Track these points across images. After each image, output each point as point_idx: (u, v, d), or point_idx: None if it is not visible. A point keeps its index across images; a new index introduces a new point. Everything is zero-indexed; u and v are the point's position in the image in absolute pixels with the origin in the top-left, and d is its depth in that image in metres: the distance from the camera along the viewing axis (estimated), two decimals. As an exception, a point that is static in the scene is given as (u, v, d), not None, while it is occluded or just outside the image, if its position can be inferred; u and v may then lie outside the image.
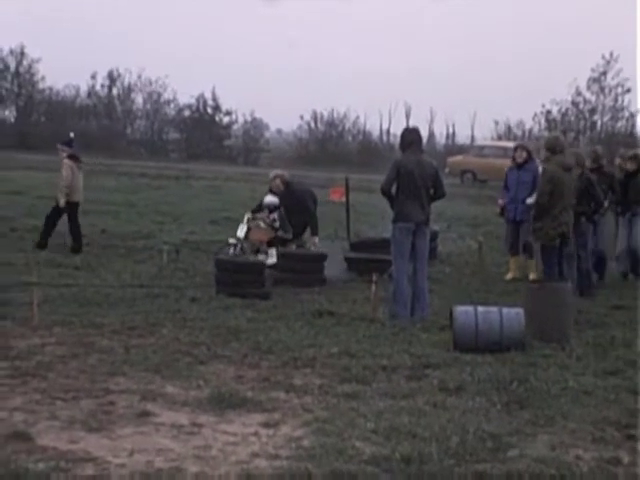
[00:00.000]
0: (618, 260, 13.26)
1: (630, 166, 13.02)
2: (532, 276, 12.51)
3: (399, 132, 10.79)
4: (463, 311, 8.69)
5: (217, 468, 5.45)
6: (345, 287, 12.02)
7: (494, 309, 8.76)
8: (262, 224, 12.54)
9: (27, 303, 9.57)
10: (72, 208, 14.54)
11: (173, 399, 6.79)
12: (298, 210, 12.74)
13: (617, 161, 13.64)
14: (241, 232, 12.51)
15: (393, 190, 10.21)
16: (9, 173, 28.56)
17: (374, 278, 10.39)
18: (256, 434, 6.09)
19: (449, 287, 12.27)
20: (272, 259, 12.15)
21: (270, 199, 12.73)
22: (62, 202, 14.43)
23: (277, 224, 12.61)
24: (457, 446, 5.80)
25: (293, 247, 12.70)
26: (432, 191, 10.25)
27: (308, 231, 13.06)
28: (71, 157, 14.63)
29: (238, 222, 13.01)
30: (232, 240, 12.57)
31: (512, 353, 8.33)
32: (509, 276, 13.19)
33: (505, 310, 8.70)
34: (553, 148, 10.67)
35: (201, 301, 10.62)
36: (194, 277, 12.43)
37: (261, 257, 12.14)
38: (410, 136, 10.43)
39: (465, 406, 6.73)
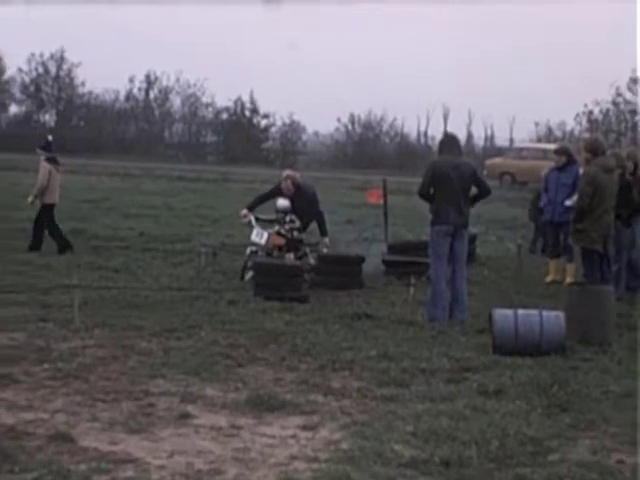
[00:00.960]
0: None
1: None
2: (569, 280, 12.38)
3: (437, 134, 10.83)
4: (503, 314, 8.63)
5: (256, 470, 5.46)
6: (383, 290, 11.99)
7: (534, 312, 8.69)
8: (282, 231, 12.42)
9: (68, 305, 9.68)
10: (46, 210, 14.69)
11: (212, 401, 6.81)
12: (308, 211, 12.66)
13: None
14: (261, 238, 12.28)
15: (431, 192, 10.20)
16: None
17: (412, 281, 10.36)
18: (295, 437, 6.09)
19: (488, 290, 12.19)
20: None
21: (283, 202, 12.55)
22: (30, 199, 14.71)
23: (297, 224, 12.51)
24: (497, 450, 5.77)
25: (306, 250, 12.59)
26: (476, 191, 10.28)
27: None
28: (49, 160, 14.78)
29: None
30: (252, 248, 12.37)
31: (552, 356, 8.26)
32: (549, 279, 13.09)
33: (545, 313, 8.63)
34: (594, 150, 10.56)
35: (239, 304, 10.65)
36: (232, 280, 12.46)
37: None
38: (447, 140, 10.49)
39: (505, 409, 6.69)
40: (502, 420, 6.40)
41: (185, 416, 6.44)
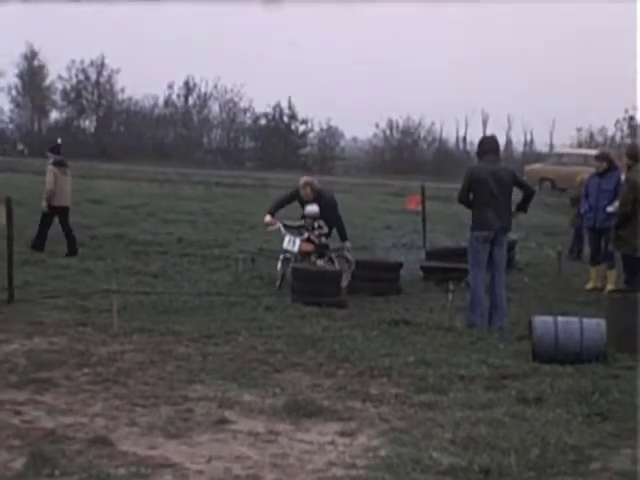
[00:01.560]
0: None
1: None
2: (610, 287, 12.24)
3: (476, 140, 10.79)
4: (542, 321, 8.55)
5: (294, 476, 5.45)
6: (421, 296, 11.94)
7: (574, 319, 8.60)
8: (312, 237, 12.41)
9: (107, 310, 9.75)
10: (60, 213, 14.80)
11: (250, 407, 6.82)
12: (333, 216, 12.62)
13: None
14: (294, 246, 12.28)
15: (471, 198, 10.16)
16: (90, 182, 29.10)
17: (451, 287, 10.31)
18: (333, 443, 6.07)
19: (527, 296, 12.09)
20: None
21: (312, 208, 12.52)
22: (44, 205, 14.74)
23: (326, 229, 12.51)
24: (537, 458, 5.71)
25: (332, 255, 12.54)
26: (521, 195, 10.21)
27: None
28: (56, 163, 14.84)
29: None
30: (286, 255, 12.32)
31: (593, 364, 8.16)
32: (589, 286, 12.96)
33: (586, 320, 8.54)
34: (636, 156, 10.46)
35: (277, 309, 10.66)
36: (270, 285, 12.48)
37: None
38: (486, 144, 10.43)
39: (545, 417, 6.62)
40: (542, 428, 6.33)
41: (223, 421, 6.45)
